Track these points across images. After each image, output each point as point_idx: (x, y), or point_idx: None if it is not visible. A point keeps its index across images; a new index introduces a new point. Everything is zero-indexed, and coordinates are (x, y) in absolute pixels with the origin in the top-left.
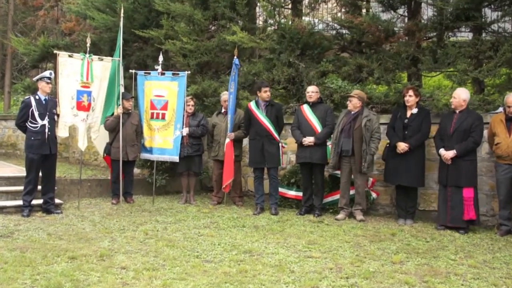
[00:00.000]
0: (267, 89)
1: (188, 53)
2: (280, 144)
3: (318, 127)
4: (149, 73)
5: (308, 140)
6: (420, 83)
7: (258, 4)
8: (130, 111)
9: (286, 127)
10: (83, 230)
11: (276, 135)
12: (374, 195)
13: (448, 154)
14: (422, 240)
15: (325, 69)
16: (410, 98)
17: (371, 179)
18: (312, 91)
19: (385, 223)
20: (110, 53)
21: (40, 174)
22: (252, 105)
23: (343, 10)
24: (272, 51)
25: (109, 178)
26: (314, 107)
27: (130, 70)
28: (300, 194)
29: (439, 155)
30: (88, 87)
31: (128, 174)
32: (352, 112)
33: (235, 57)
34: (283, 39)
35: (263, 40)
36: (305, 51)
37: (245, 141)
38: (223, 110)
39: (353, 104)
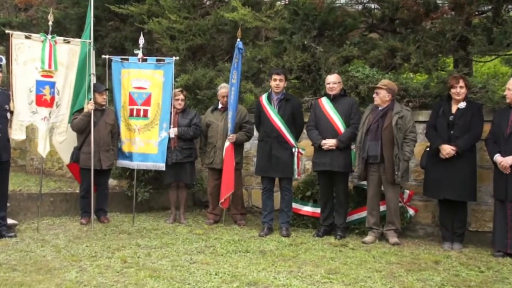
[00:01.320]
0: (277, 77)
1: (176, 34)
2: (295, 150)
3: (340, 126)
4: (128, 60)
5: (329, 143)
6: (469, 70)
7: None
8: (103, 107)
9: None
10: (43, 258)
11: (289, 137)
12: (411, 212)
13: (506, 161)
14: (475, 269)
15: (349, 54)
16: (461, 90)
17: (407, 191)
18: (333, 82)
19: (426, 247)
20: (79, 34)
21: None
22: (264, 98)
23: None
24: (282, 31)
25: (78, 191)
26: (335, 101)
27: (104, 56)
28: (318, 210)
29: (494, 162)
30: (51, 76)
31: (101, 187)
32: (380, 108)
33: (238, 39)
34: (295, 16)
35: (271, 18)
36: (323, 32)
37: (248, 145)
38: (219, 106)
39: (381, 97)
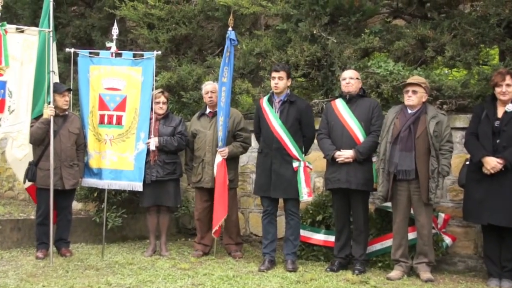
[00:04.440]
0: (275, 74)
1: (156, 22)
2: (299, 164)
3: (359, 133)
4: (98, 54)
5: (345, 154)
6: None
7: None
8: (66, 112)
9: None
10: None
11: (292, 149)
12: (448, 240)
13: None
14: None
15: (369, 46)
16: (509, 89)
17: (442, 215)
18: (349, 77)
19: (467, 284)
20: (34, 22)
21: None
22: (264, 101)
23: None
24: (286, 18)
25: (33, 217)
26: (352, 103)
27: (68, 49)
28: (332, 238)
29: None
30: (1, 74)
31: (63, 211)
32: (411, 111)
33: (230, 28)
34: (302, 0)
35: (272, 2)
36: (336, 18)
37: (244, 158)
38: (207, 111)
39: (419, 97)
